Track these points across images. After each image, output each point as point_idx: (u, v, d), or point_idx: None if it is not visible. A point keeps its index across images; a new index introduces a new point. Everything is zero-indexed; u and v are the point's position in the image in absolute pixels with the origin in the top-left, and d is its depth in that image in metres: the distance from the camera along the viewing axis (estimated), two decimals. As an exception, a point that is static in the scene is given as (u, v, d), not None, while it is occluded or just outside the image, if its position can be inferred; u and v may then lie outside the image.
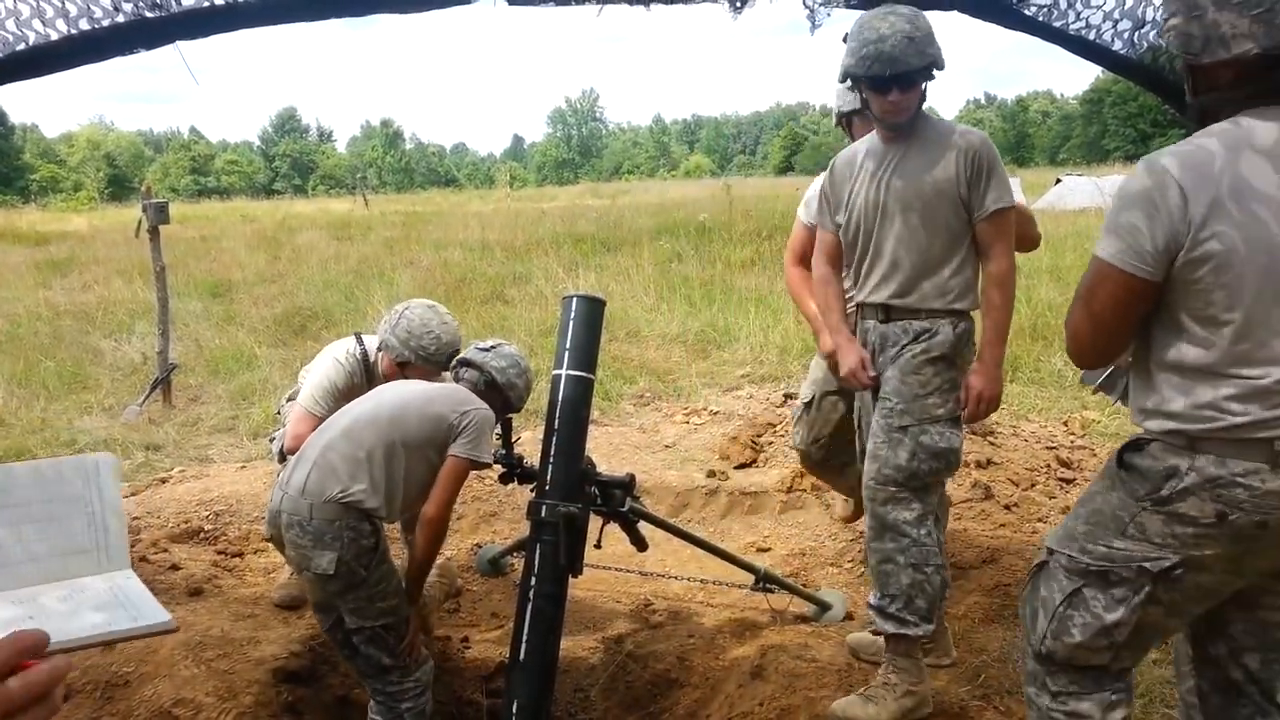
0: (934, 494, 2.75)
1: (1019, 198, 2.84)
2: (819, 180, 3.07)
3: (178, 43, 2.71)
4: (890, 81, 2.58)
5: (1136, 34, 2.97)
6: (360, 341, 3.51)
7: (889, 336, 2.75)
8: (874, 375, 2.77)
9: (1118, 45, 3.06)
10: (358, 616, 2.71)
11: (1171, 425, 1.81)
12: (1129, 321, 1.85)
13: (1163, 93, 3.05)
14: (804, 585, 3.70)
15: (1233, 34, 1.68)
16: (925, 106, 2.71)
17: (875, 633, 2.95)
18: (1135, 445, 1.89)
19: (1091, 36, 3.05)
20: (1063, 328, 2.00)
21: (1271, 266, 1.69)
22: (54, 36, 2.57)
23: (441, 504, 2.81)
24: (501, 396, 3.06)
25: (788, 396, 6.28)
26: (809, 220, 3.33)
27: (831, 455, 3.58)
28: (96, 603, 1.12)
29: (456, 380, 3.12)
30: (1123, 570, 1.88)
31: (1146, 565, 1.84)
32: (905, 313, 2.71)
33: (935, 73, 2.62)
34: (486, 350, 3.11)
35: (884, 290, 2.73)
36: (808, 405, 3.57)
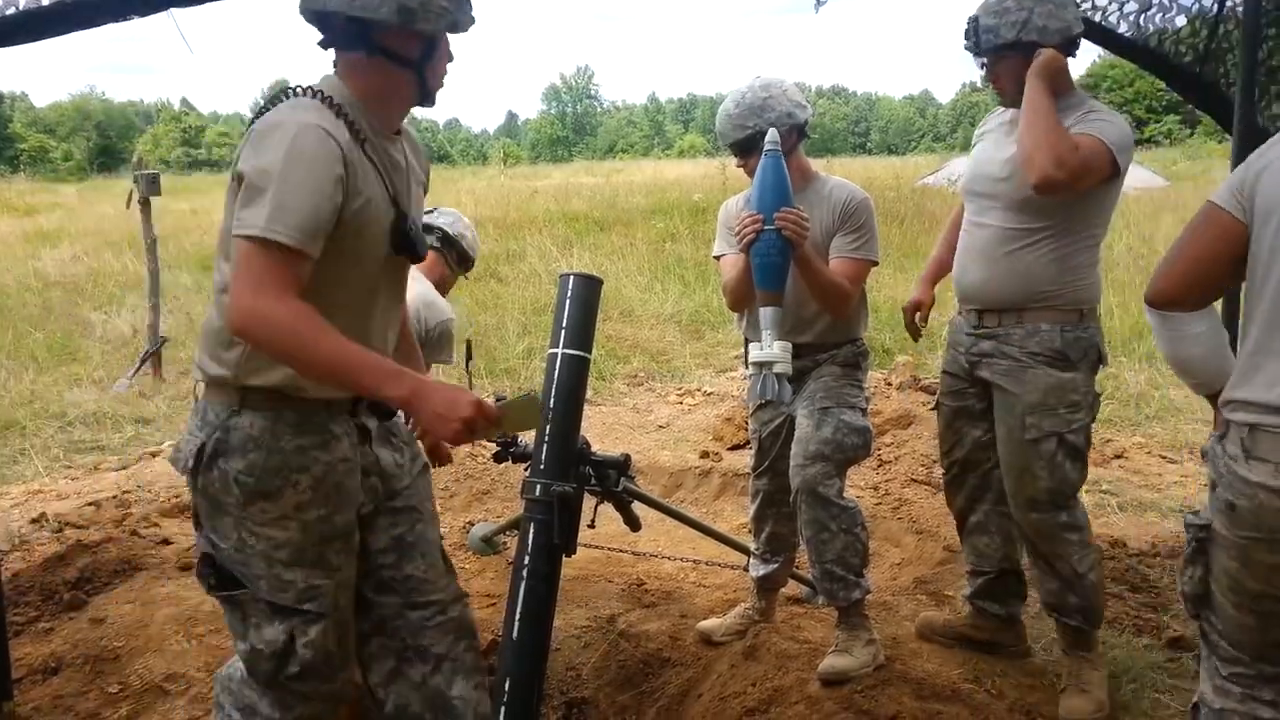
0: (845, 473, 2.99)
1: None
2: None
3: (172, 10, 2.66)
4: (734, 149, 2.95)
5: (1143, 16, 2.95)
6: None
7: (803, 366, 3.03)
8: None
9: (1123, 28, 3.04)
10: None
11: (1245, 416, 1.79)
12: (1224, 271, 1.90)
13: (1168, 76, 3.03)
14: (796, 567, 3.70)
15: None
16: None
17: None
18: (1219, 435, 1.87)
19: (1097, 18, 3.03)
20: None
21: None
22: (45, 1, 2.51)
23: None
24: (455, 250, 3.57)
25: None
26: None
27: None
28: None
29: None
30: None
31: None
32: (814, 349, 3.03)
33: (803, 130, 2.90)
34: (428, 213, 3.41)
35: (801, 334, 3.01)
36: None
